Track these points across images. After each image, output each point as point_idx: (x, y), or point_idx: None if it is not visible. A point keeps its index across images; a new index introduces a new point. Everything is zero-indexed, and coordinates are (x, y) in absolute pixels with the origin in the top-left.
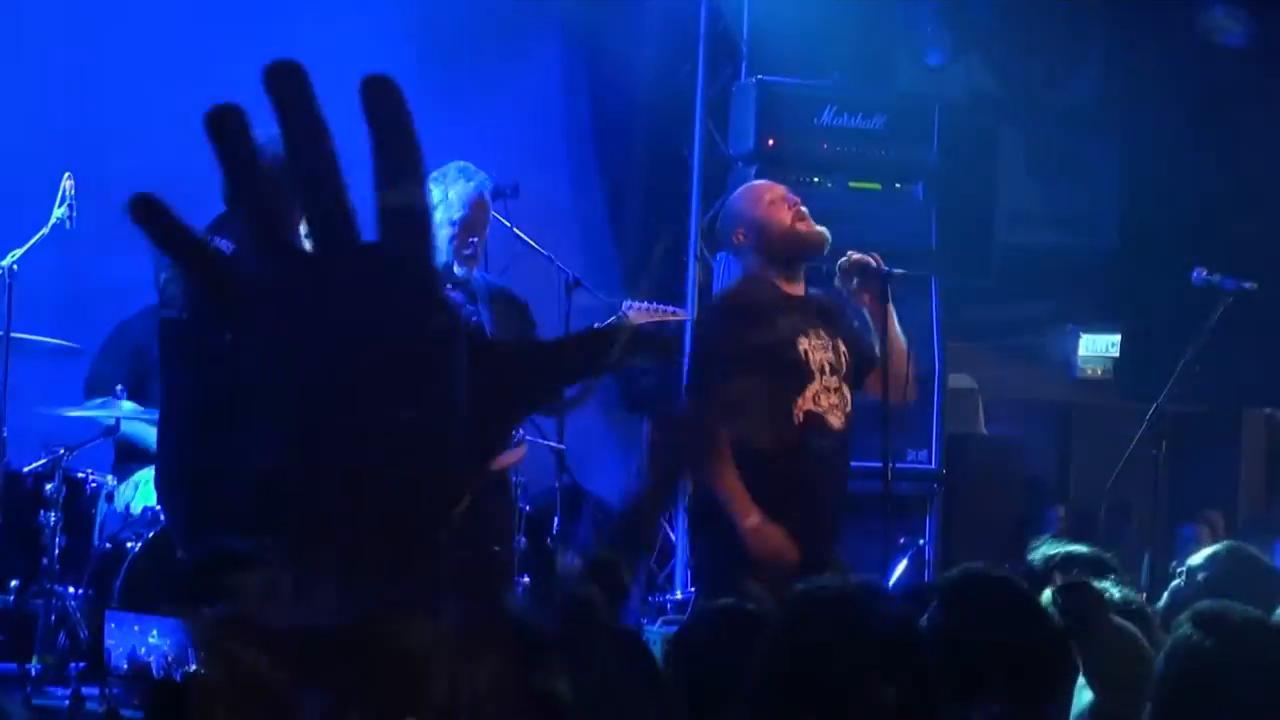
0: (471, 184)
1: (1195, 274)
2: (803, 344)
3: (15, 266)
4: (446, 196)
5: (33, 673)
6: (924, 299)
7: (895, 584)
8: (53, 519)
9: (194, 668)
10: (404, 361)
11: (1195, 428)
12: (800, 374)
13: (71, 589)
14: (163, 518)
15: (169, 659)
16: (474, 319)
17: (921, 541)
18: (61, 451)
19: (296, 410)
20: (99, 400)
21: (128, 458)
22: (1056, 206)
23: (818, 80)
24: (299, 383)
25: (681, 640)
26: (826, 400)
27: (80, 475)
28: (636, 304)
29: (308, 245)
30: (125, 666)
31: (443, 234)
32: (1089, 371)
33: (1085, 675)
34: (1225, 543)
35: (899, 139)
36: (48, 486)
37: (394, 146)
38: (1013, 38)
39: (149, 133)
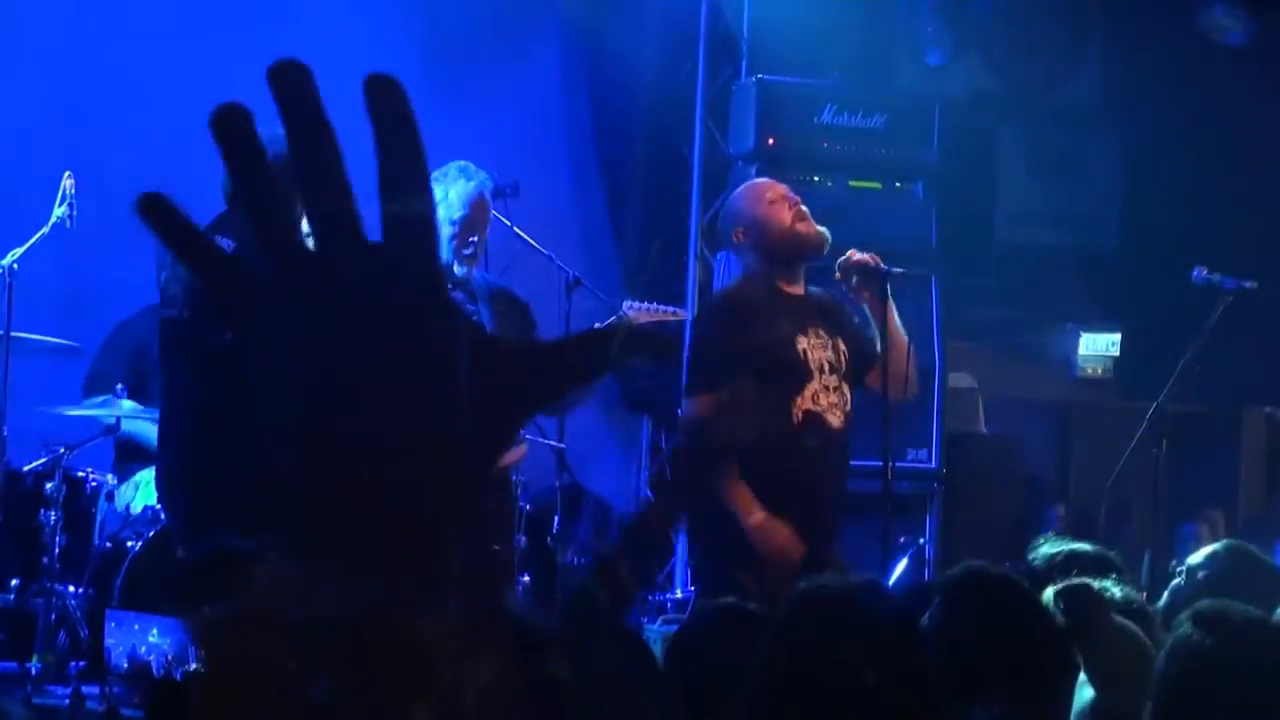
0: (472, 184)
1: (1195, 273)
2: (801, 343)
3: (15, 265)
4: (447, 196)
5: (33, 672)
6: (924, 298)
7: (895, 583)
8: (53, 518)
9: (194, 667)
10: (407, 362)
11: (1195, 427)
12: (799, 373)
13: (72, 588)
14: (163, 517)
15: (169, 658)
16: (475, 319)
17: (921, 541)
18: (62, 450)
19: (298, 411)
20: (99, 399)
21: (128, 457)
22: (1056, 206)
23: (818, 79)
24: (301, 383)
25: (681, 639)
26: (825, 399)
27: (80, 474)
28: (636, 304)
29: (311, 244)
30: (125, 665)
31: (443, 233)
32: (1089, 371)
33: (1086, 673)
34: (1225, 541)
35: (899, 138)
36: (48, 485)
37: (397, 145)
38: (1013, 37)
39: (149, 132)
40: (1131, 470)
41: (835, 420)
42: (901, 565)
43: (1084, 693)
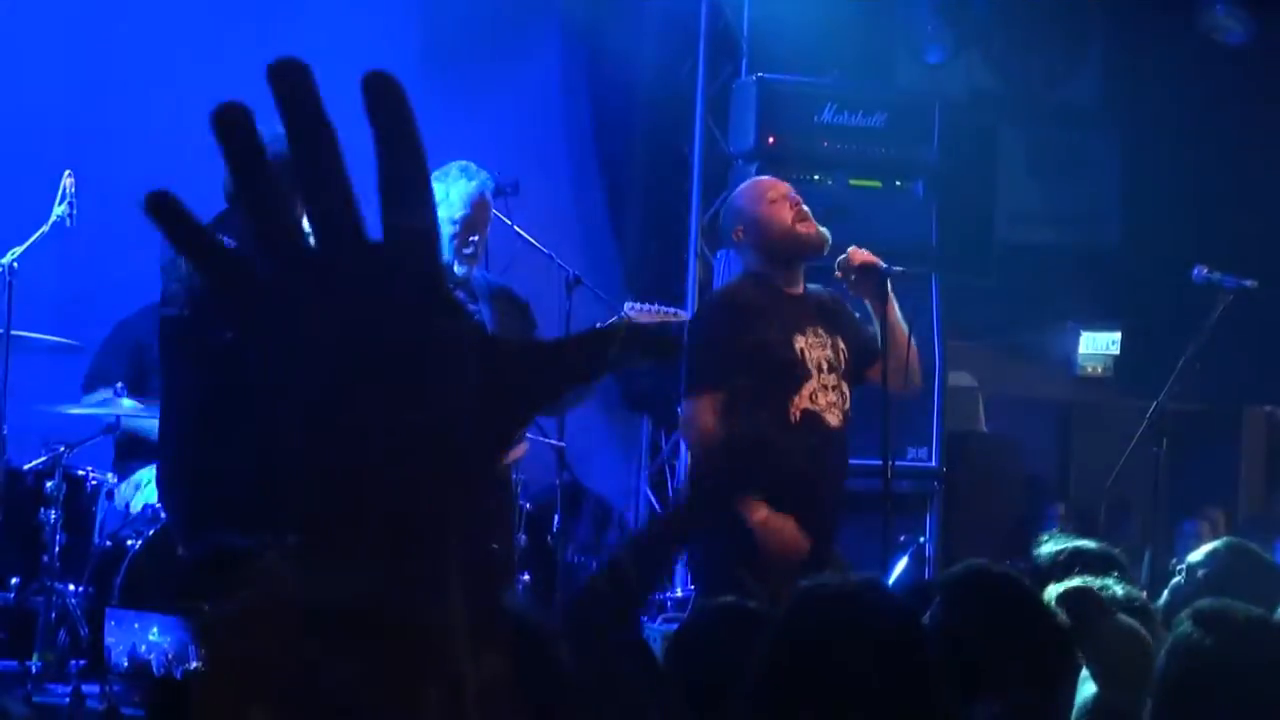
0: (473, 183)
1: (1195, 272)
2: (799, 342)
3: (15, 264)
4: (448, 195)
5: (33, 670)
6: (924, 297)
7: (895, 582)
8: (53, 516)
9: (195, 665)
10: (408, 361)
11: (1195, 425)
12: (797, 372)
13: (72, 586)
14: (163, 515)
15: (169, 656)
16: (475, 318)
17: (922, 539)
18: (62, 449)
19: (299, 410)
20: (99, 397)
21: (128, 455)
22: (1057, 204)
23: (818, 78)
24: (302, 382)
25: (682, 638)
26: (824, 398)
27: (80, 473)
28: (638, 305)
29: (312, 243)
30: (125, 664)
31: (444, 233)
32: (1089, 369)
33: (1088, 669)
34: (1225, 539)
35: (899, 137)
36: (48, 484)
37: (397, 144)
38: (1013, 36)
39: (149, 130)
40: (1131, 469)
41: (834, 419)
42: (902, 564)
43: (1085, 689)
